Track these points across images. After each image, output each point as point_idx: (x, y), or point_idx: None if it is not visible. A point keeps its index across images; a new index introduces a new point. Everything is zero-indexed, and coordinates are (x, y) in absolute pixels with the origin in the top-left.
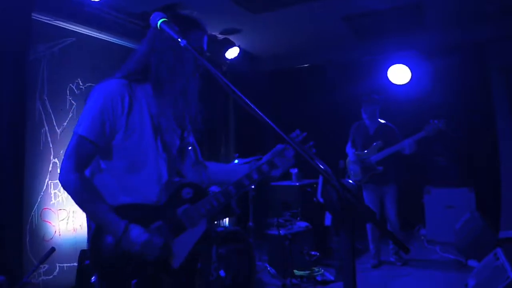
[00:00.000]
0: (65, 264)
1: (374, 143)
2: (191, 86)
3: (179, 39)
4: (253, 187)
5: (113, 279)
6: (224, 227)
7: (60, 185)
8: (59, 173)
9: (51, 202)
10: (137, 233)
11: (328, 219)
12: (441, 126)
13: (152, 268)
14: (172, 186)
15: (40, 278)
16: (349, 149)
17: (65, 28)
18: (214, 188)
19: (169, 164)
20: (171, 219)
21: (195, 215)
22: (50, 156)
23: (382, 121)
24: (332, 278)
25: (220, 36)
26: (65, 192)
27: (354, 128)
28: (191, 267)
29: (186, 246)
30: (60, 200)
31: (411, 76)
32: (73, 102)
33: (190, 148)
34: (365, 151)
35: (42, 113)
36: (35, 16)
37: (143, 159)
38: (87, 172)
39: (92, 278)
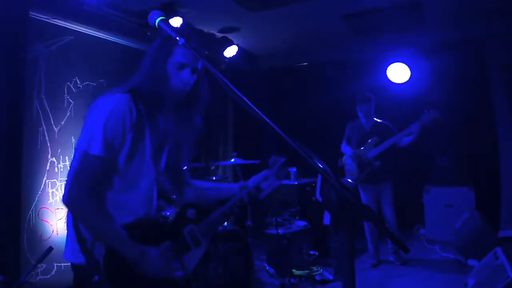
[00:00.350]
0: (62, 264)
1: (370, 139)
2: (190, 100)
3: (177, 38)
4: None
5: None
6: (223, 226)
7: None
8: (65, 195)
9: (49, 201)
10: (155, 256)
11: (327, 218)
12: (436, 115)
13: (162, 285)
14: (171, 206)
15: (38, 278)
16: (344, 147)
17: (63, 26)
18: None
19: (167, 183)
20: (178, 239)
21: (199, 235)
22: (48, 155)
23: (377, 119)
24: (331, 277)
25: (219, 35)
26: (63, 191)
27: (350, 127)
28: (196, 284)
29: (190, 264)
30: (58, 199)
31: (410, 75)
32: (71, 100)
33: (185, 167)
34: (362, 148)
35: (40, 112)
36: (33, 15)
37: (140, 178)
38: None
39: (95, 277)
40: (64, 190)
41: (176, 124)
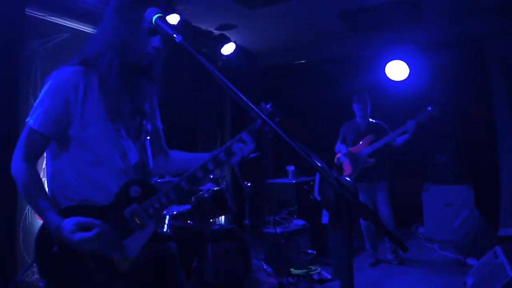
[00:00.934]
0: None
1: (366, 137)
2: (152, 67)
3: (175, 35)
4: (249, 184)
5: (57, 279)
6: (220, 225)
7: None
8: (11, 163)
9: None
10: (69, 229)
11: (325, 217)
12: (433, 112)
13: (100, 274)
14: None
15: (34, 277)
16: (338, 146)
17: (59, 23)
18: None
19: (129, 155)
20: (117, 221)
21: (142, 216)
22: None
23: (373, 120)
24: (329, 276)
25: (216, 32)
26: None
27: (345, 127)
28: (145, 270)
29: (134, 249)
30: None
31: (409, 72)
32: None
33: (149, 137)
34: (357, 145)
35: None
36: (29, 12)
37: (102, 152)
38: (50, 164)
39: (40, 284)
40: (12, 159)
41: (134, 94)
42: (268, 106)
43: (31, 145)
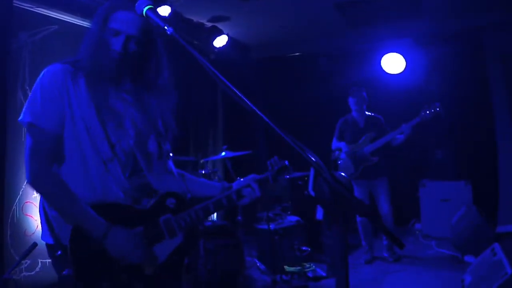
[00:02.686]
0: (47, 260)
1: (366, 134)
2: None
3: (166, 27)
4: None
5: (87, 279)
6: (212, 221)
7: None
8: (27, 175)
9: (33, 196)
10: (120, 235)
11: (319, 213)
12: (437, 110)
13: (126, 274)
14: (141, 191)
15: (22, 274)
16: (337, 143)
17: (47, 15)
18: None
19: (119, 167)
20: (152, 227)
21: (175, 226)
22: None
23: (369, 113)
24: (323, 274)
25: (208, 24)
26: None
27: (341, 123)
28: (165, 275)
29: (161, 255)
30: None
31: (406, 66)
32: None
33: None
34: (357, 143)
35: (24, 103)
36: (16, 3)
37: (88, 154)
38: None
39: (64, 271)
40: (26, 169)
41: (127, 101)
42: (276, 159)
43: (41, 147)
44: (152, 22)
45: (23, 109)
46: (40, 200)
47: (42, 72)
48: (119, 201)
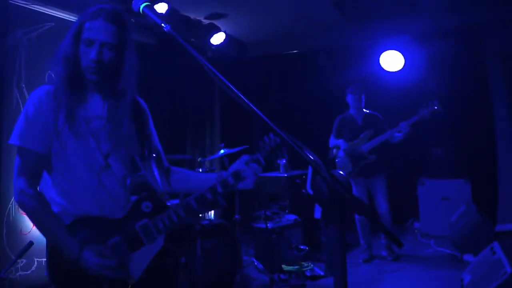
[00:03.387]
0: (43, 259)
1: (365, 132)
2: (123, 85)
3: (163, 24)
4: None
5: None
6: (209, 220)
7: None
8: (14, 193)
9: None
10: (91, 255)
11: (317, 212)
12: (435, 108)
13: (108, 285)
14: (126, 199)
15: (18, 274)
16: (335, 141)
17: (43, 12)
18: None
19: (114, 173)
20: (129, 234)
21: (153, 231)
22: None
23: (366, 110)
24: (321, 273)
25: (205, 21)
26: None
27: (339, 121)
28: (150, 283)
29: (143, 262)
30: None
31: (404, 63)
32: None
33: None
34: (355, 141)
35: (20, 101)
36: (12, 0)
37: (77, 170)
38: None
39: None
40: (13, 187)
41: (107, 109)
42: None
43: (28, 167)
44: (149, 19)
45: (13, 131)
46: None
47: (30, 95)
48: (104, 210)
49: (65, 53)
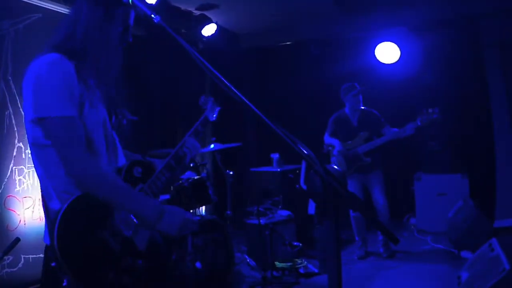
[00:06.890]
0: (30, 256)
1: (360, 133)
2: (115, 63)
3: (153, 15)
4: (231, 172)
5: (90, 276)
6: (201, 215)
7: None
8: (72, 166)
9: (16, 189)
10: (177, 210)
11: (311, 208)
12: (435, 116)
13: (127, 257)
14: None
15: (4, 271)
16: (329, 139)
17: (30, 3)
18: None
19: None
20: None
21: (150, 194)
22: (15, 140)
23: (362, 107)
24: (315, 270)
25: (196, 12)
26: (31, 179)
27: (334, 120)
28: (156, 250)
29: (145, 232)
30: (25, 187)
31: (400, 55)
32: None
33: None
34: (350, 142)
35: (6, 94)
36: None
37: (96, 142)
38: (40, 163)
39: (64, 282)
40: (69, 163)
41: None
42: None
43: (79, 135)
44: (138, 10)
45: (39, 105)
46: (42, 200)
47: (46, 64)
48: None
49: (104, 38)
